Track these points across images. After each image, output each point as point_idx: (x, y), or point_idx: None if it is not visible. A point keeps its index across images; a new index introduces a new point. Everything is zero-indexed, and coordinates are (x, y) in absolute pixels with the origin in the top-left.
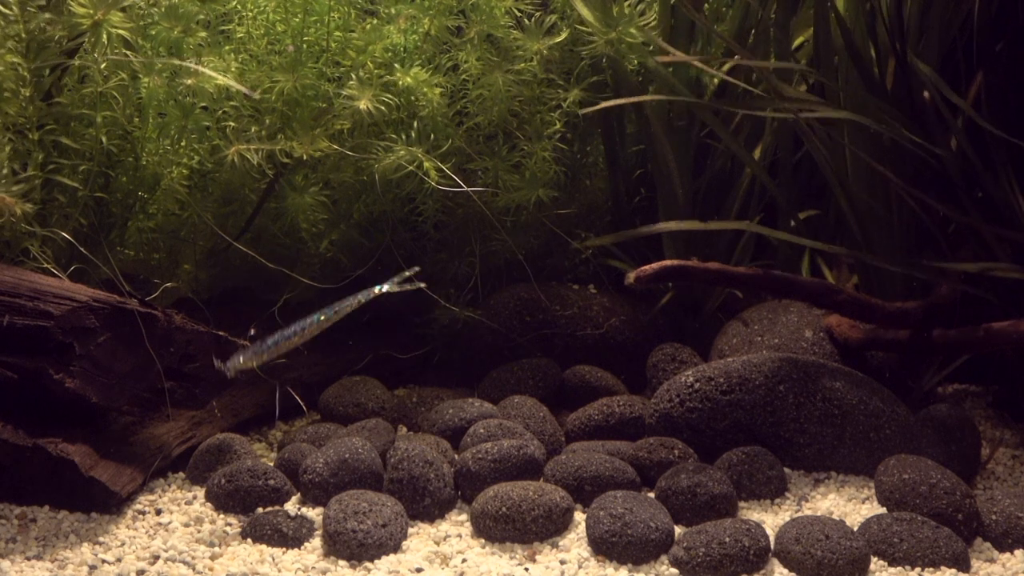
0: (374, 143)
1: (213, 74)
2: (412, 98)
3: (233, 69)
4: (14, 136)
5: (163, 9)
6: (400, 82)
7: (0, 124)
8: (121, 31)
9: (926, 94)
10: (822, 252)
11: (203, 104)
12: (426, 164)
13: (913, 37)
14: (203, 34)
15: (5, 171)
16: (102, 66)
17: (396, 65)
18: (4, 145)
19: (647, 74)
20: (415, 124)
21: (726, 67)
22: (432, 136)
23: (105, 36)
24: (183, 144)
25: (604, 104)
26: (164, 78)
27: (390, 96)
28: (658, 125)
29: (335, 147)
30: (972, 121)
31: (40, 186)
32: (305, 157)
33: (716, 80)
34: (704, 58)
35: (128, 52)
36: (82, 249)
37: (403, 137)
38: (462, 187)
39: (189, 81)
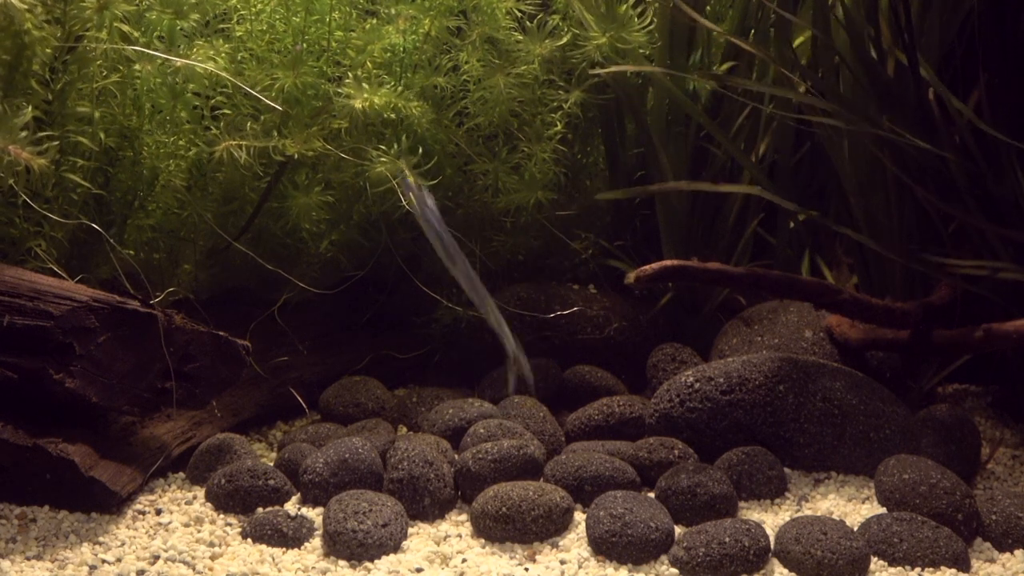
0: (370, 148)
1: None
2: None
3: (224, 55)
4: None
5: None
6: (372, 103)
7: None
8: (120, 23)
9: (931, 93)
10: (822, 252)
11: (195, 90)
12: (409, 179)
13: (915, 34)
14: (196, 16)
15: (25, 134)
16: (98, 63)
17: (365, 85)
18: (25, 111)
19: (646, 76)
20: (403, 137)
21: (725, 67)
22: (418, 148)
23: (107, 25)
24: (178, 136)
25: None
26: (157, 65)
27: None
28: (655, 131)
29: (328, 147)
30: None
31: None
32: (296, 155)
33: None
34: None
35: (124, 44)
36: (108, 237)
37: (395, 144)
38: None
39: (179, 62)
